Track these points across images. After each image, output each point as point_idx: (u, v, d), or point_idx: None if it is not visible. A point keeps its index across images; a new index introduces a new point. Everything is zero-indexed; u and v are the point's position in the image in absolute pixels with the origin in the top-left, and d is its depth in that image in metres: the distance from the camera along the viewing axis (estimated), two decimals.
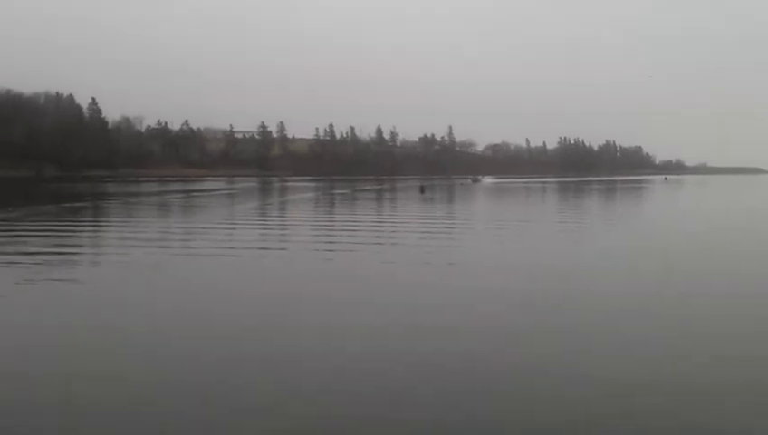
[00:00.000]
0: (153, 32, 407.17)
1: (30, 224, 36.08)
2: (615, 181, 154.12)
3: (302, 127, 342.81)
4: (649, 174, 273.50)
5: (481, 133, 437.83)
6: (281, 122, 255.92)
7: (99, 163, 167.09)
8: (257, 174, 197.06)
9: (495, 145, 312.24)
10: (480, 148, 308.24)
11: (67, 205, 53.33)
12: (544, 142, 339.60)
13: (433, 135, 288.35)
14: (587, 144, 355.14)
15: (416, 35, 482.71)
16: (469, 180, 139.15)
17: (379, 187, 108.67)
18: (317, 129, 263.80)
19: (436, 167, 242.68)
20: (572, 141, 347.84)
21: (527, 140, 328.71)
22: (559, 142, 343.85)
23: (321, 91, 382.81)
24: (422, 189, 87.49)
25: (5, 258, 22.54)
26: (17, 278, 18.97)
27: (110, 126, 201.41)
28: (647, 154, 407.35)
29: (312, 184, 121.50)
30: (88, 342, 12.40)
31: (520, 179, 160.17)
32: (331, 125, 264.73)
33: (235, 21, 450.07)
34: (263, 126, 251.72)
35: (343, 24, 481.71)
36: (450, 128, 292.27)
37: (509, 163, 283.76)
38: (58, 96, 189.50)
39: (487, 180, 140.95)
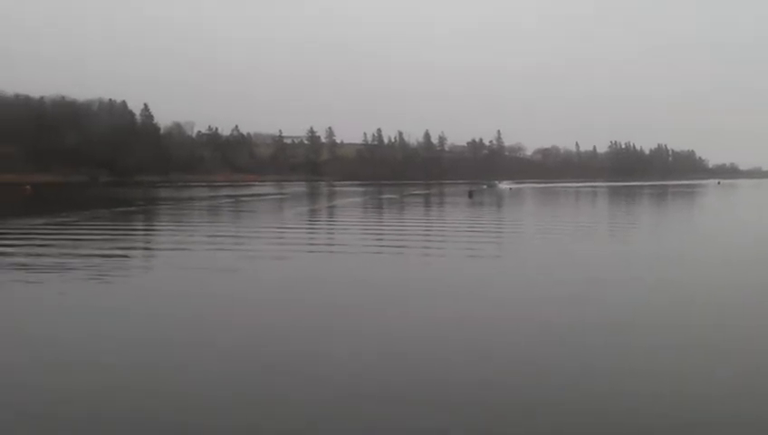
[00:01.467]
0: (202, 39, 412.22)
1: (124, 225, 37.03)
2: (666, 186, 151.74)
3: (351, 132, 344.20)
4: (702, 178, 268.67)
5: (530, 137, 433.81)
6: (329, 128, 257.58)
7: (151, 168, 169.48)
8: (306, 179, 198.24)
9: (545, 149, 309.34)
10: (529, 152, 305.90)
11: (133, 208, 54.95)
12: (594, 146, 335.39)
13: (481, 139, 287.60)
14: (638, 148, 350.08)
15: (463, 41, 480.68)
16: (484, 186, 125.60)
17: (427, 191, 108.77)
18: (365, 134, 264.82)
19: (485, 171, 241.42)
20: (623, 145, 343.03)
21: (577, 144, 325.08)
22: (609, 146, 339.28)
23: (370, 97, 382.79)
24: (470, 194, 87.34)
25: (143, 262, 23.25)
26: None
27: (161, 132, 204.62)
28: (699, 158, 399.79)
29: (361, 189, 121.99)
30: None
31: (543, 184, 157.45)
32: (379, 130, 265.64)
33: (283, 29, 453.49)
34: (311, 131, 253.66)
35: (392, 30, 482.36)
36: (499, 132, 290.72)
37: (558, 168, 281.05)
38: (111, 102, 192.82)
39: (504, 186, 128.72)
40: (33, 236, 31.59)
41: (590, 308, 15.93)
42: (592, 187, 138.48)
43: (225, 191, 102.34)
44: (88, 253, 25.39)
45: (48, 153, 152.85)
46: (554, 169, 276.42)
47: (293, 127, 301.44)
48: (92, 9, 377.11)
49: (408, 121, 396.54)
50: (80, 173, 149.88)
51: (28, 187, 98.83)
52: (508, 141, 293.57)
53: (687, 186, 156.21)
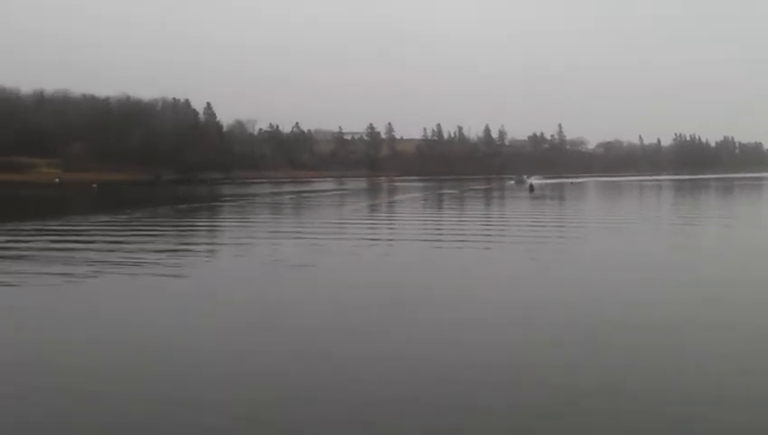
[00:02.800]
0: (264, 37, 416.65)
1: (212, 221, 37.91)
2: (734, 179, 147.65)
3: (410, 128, 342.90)
4: None
5: (593, 131, 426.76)
6: (389, 123, 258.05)
7: (214, 166, 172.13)
8: (366, 175, 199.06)
9: (608, 143, 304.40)
10: (591, 146, 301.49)
11: (212, 204, 56.01)
12: (659, 139, 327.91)
13: (542, 133, 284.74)
14: (704, 141, 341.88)
15: (522, 35, 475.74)
16: (512, 182, 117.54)
17: (488, 186, 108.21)
18: (425, 129, 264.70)
19: (546, 166, 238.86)
20: (688, 138, 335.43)
21: (640, 137, 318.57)
22: (674, 139, 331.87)
23: (430, 92, 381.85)
24: (531, 188, 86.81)
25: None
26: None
27: (224, 130, 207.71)
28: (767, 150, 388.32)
29: (420, 184, 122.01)
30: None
31: (605, 178, 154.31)
32: (438, 125, 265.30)
33: (341, 26, 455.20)
34: (371, 127, 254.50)
35: (450, 25, 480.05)
36: (560, 126, 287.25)
37: (621, 161, 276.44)
38: (175, 101, 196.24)
39: (534, 181, 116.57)
40: (110, 233, 32.47)
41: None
42: (657, 180, 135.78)
43: (286, 188, 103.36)
44: (162, 248, 26.03)
45: (114, 152, 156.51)
46: (617, 162, 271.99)
47: (353, 123, 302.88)
48: (156, 10, 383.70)
49: (468, 116, 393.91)
50: (145, 171, 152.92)
51: (95, 185, 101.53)
52: (570, 135, 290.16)
53: (756, 179, 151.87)
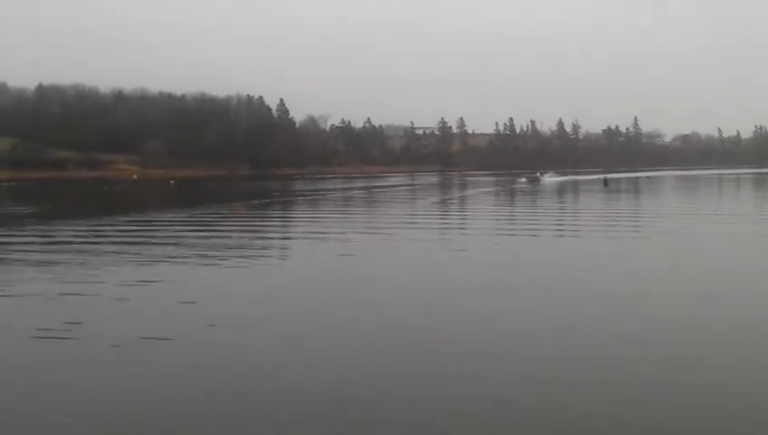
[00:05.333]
0: (331, 32, 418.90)
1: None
2: None
3: (482, 122, 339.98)
4: None
5: (669, 123, 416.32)
6: (461, 118, 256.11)
7: (287, 162, 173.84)
8: (437, 170, 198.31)
9: (685, 136, 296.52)
10: (668, 139, 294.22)
11: (294, 198, 56.77)
12: (738, 132, 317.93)
13: (617, 127, 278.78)
14: None
15: (596, 27, 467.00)
16: (523, 179, 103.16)
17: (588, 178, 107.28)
18: (497, 123, 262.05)
19: (621, 159, 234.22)
20: None
21: (719, 129, 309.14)
22: (754, 132, 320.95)
23: (502, 86, 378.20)
24: (605, 182, 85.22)
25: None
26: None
27: (297, 126, 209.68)
28: None
29: (492, 178, 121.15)
30: None
31: (682, 172, 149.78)
32: (510, 119, 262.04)
33: (410, 23, 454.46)
34: (443, 122, 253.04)
35: (521, 18, 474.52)
36: (635, 118, 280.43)
37: (699, 154, 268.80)
38: (249, 98, 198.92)
39: (550, 178, 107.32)
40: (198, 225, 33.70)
41: None
42: (737, 174, 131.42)
43: (359, 183, 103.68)
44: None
45: (190, 148, 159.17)
46: (694, 156, 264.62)
47: (425, 118, 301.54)
48: (229, 11, 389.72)
49: (541, 110, 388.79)
50: (220, 167, 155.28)
51: (172, 181, 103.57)
52: (645, 128, 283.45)
53: None
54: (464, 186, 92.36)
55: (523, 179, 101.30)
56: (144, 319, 13.90)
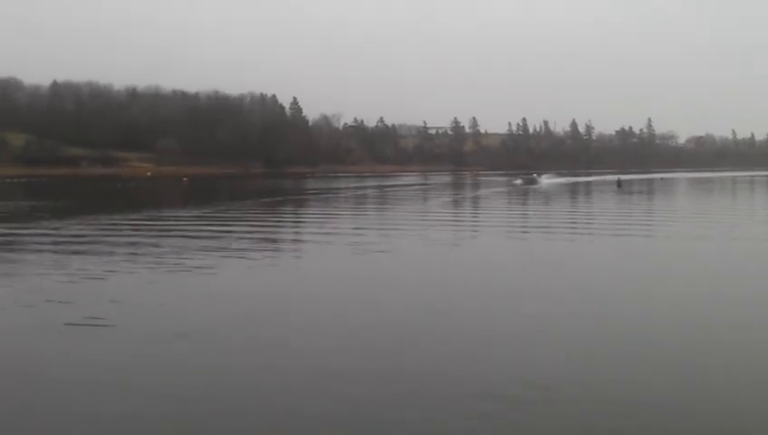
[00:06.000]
0: (345, 31, 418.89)
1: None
2: None
3: (495, 122, 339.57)
4: None
5: (683, 125, 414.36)
6: (473, 118, 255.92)
7: (300, 160, 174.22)
8: (450, 169, 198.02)
9: (699, 138, 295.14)
10: (682, 140, 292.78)
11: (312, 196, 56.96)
12: (752, 133, 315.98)
13: (630, 128, 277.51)
14: None
15: (608, 27, 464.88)
16: (519, 180, 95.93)
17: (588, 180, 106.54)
18: (509, 123, 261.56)
19: (634, 161, 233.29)
20: None
21: (733, 131, 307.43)
22: None
23: (515, 86, 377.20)
24: (619, 183, 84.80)
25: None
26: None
27: (310, 124, 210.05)
28: None
29: (504, 178, 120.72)
30: None
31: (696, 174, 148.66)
32: (524, 119, 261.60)
33: (424, 22, 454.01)
34: (455, 122, 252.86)
35: (535, 18, 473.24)
36: (649, 120, 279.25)
37: (713, 156, 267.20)
38: (262, 97, 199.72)
39: (547, 179, 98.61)
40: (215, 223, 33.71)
41: None
42: (750, 176, 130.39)
43: (371, 182, 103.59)
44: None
45: (203, 146, 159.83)
46: (708, 158, 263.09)
47: (438, 117, 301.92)
48: (243, 10, 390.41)
49: (554, 110, 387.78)
50: (233, 165, 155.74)
51: (185, 179, 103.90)
52: (659, 129, 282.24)
53: None
54: (477, 185, 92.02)
55: (519, 181, 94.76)
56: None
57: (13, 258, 22.02)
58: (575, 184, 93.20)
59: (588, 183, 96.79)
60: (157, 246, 24.16)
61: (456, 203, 55.62)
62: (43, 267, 19.46)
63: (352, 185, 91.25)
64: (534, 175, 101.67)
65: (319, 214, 43.07)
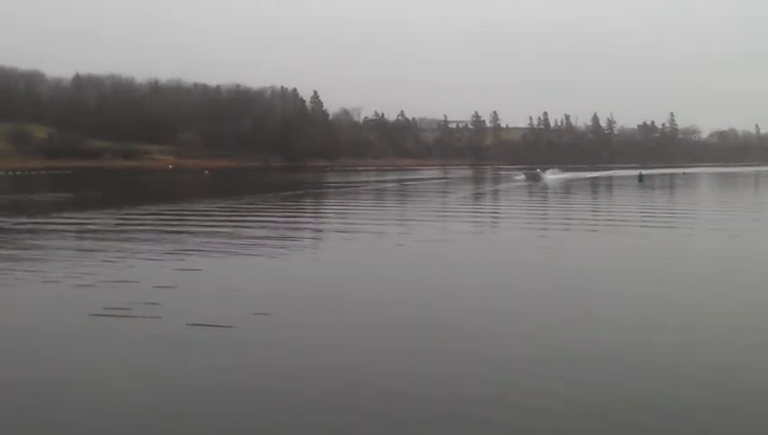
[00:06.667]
0: (364, 27, 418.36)
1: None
2: None
3: (516, 116, 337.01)
4: None
5: (706, 119, 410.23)
6: (494, 112, 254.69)
7: (320, 154, 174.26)
8: (470, 163, 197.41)
9: (722, 132, 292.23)
10: (705, 135, 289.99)
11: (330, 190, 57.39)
12: None
13: (653, 122, 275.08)
14: None
15: (630, 21, 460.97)
16: (522, 175, 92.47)
17: (596, 175, 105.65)
18: (530, 117, 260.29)
19: (656, 155, 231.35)
20: None
21: (756, 125, 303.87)
22: None
23: (536, 80, 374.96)
24: (640, 178, 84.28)
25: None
26: None
27: (330, 118, 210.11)
28: None
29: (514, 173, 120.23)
30: None
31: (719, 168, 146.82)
32: (545, 113, 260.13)
33: (446, 17, 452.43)
34: (476, 116, 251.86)
35: (558, 13, 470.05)
36: (672, 114, 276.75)
37: (737, 151, 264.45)
38: (283, 90, 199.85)
39: (552, 175, 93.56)
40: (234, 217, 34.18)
41: None
42: None
43: (391, 176, 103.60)
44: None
45: (224, 139, 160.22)
46: (731, 152, 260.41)
47: (458, 111, 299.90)
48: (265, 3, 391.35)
49: (576, 104, 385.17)
50: (254, 158, 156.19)
51: (206, 171, 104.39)
52: (682, 124, 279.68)
53: None
54: (481, 180, 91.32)
55: (521, 176, 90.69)
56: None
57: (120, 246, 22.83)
58: (582, 180, 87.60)
59: (596, 178, 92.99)
60: (218, 235, 25.84)
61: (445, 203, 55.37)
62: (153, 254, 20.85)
63: (373, 179, 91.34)
64: (538, 170, 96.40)
65: (369, 205, 43.72)
